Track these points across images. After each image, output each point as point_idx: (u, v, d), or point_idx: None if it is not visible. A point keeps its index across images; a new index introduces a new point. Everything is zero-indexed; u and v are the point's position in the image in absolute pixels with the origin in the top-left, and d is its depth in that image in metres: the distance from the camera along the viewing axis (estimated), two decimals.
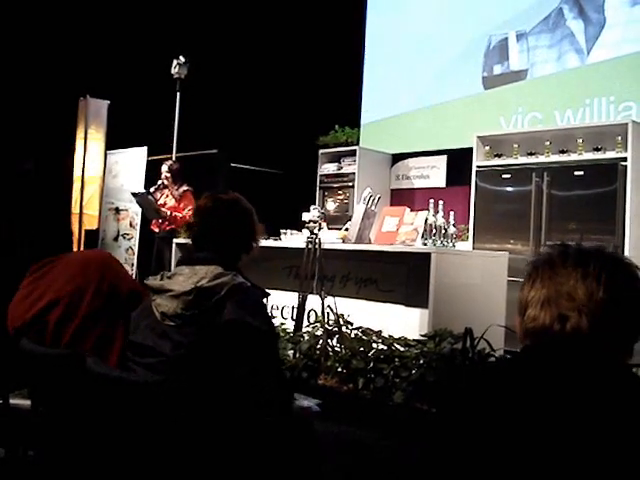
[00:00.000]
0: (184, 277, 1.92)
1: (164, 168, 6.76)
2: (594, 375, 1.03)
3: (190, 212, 6.09)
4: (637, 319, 1.10)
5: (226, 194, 2.13)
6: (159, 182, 6.72)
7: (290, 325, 4.75)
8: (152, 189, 6.69)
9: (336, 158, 7.63)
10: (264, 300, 2.02)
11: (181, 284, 1.88)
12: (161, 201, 6.69)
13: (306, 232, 4.77)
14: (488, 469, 0.99)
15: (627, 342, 1.11)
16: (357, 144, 7.67)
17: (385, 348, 4.05)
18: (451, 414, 1.09)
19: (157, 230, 6.74)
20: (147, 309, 1.95)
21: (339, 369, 4.10)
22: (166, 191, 6.70)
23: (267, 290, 2.03)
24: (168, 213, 6.55)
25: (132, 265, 7.41)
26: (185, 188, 6.70)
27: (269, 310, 5.19)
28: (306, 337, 4.43)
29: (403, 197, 7.29)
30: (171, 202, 6.66)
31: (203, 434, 1.72)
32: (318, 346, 4.30)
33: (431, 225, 4.54)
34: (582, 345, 1.06)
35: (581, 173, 5.46)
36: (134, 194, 6.81)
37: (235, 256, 2.06)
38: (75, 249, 3.19)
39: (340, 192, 7.48)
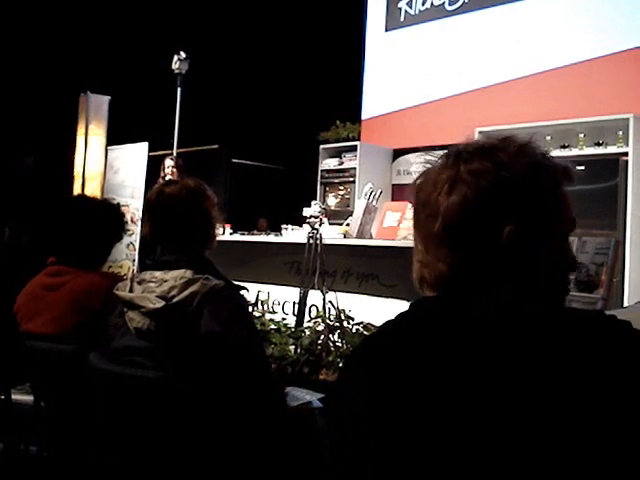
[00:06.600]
0: (154, 284, 1.80)
1: (169, 163, 6.76)
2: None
3: None
4: None
5: (172, 184, 1.93)
6: (163, 175, 6.72)
7: (291, 320, 4.75)
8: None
9: (337, 153, 7.61)
10: (242, 292, 1.88)
11: (151, 300, 1.74)
12: None
13: (307, 227, 4.76)
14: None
15: None
16: (358, 139, 7.65)
17: None
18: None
19: None
20: (123, 322, 1.85)
21: (340, 364, 4.10)
22: None
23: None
24: None
25: (133, 261, 7.40)
26: None
27: (270, 305, 5.19)
28: (307, 332, 4.42)
29: (404, 192, 7.27)
30: None
31: (203, 433, 1.72)
32: (319, 341, 4.30)
33: None
34: None
35: (582, 168, 5.45)
36: None
37: (197, 251, 1.91)
38: None
39: (341, 187, 7.46)
